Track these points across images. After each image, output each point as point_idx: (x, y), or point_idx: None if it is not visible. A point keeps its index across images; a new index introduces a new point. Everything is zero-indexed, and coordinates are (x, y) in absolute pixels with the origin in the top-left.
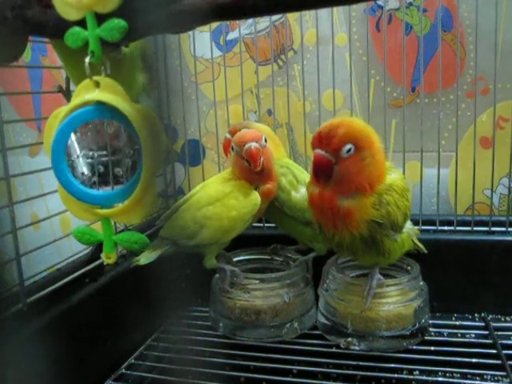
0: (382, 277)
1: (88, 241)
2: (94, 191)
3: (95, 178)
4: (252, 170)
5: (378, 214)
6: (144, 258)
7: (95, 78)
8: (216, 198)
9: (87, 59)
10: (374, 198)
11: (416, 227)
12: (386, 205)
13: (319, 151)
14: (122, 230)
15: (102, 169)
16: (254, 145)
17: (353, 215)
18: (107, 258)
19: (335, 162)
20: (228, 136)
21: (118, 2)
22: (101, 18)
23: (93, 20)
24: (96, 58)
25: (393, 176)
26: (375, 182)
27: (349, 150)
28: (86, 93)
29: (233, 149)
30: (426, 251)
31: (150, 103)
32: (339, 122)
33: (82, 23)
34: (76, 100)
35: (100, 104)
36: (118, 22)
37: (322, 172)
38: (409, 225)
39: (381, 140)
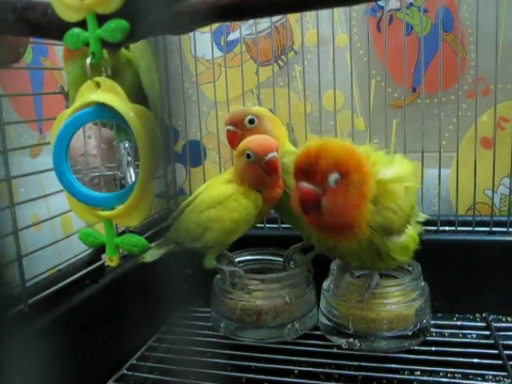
0: (379, 277)
1: (92, 243)
2: (94, 193)
3: None
4: (266, 178)
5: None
6: (149, 256)
7: (96, 78)
8: (218, 200)
9: (88, 60)
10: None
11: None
12: (382, 213)
13: (304, 184)
14: (123, 232)
15: None
16: (275, 155)
17: (355, 227)
18: (110, 260)
19: (322, 193)
20: (231, 128)
21: (120, 2)
22: (101, 20)
23: (94, 21)
24: (97, 60)
25: (386, 173)
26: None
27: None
28: (89, 94)
29: (249, 156)
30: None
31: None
32: (318, 148)
33: (82, 24)
34: (78, 101)
35: (100, 105)
36: (120, 22)
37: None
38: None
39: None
